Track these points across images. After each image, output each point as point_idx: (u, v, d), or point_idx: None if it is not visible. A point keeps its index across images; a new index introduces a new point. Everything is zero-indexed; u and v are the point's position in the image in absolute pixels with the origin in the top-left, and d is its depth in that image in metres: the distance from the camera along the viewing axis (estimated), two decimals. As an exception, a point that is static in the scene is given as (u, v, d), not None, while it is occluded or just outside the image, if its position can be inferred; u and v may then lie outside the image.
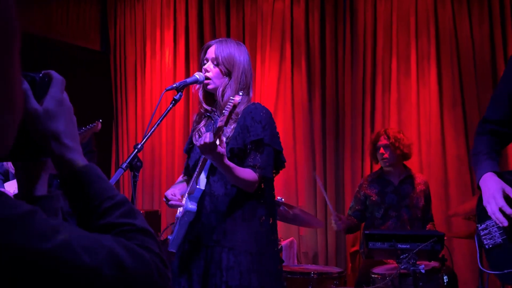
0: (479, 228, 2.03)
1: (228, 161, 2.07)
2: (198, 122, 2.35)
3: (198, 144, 2.02)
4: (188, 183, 2.40)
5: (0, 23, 0.37)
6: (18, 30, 0.39)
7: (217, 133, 1.97)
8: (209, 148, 1.98)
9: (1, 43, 0.38)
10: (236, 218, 2.18)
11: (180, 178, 2.48)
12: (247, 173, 2.14)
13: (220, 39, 2.35)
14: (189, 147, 2.40)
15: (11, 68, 0.38)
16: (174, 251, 2.31)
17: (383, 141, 3.57)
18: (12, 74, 0.38)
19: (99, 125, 2.87)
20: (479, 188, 2.05)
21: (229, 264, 2.13)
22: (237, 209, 2.19)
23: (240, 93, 2.04)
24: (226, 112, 1.98)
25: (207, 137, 1.97)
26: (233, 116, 2.21)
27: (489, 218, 2.00)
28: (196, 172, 2.21)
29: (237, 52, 2.27)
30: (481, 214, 2.04)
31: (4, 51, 0.38)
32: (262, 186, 2.22)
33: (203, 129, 2.31)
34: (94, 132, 2.91)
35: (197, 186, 2.20)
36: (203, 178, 2.21)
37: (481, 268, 2.04)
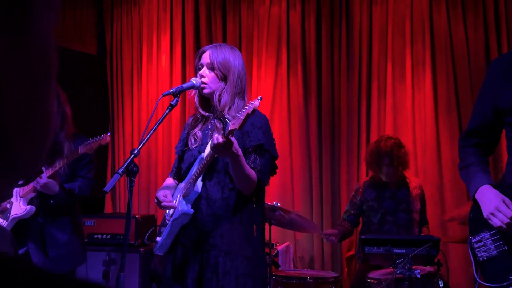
0: (473, 241, 2.01)
1: (243, 159, 2.09)
2: (194, 126, 2.36)
3: (211, 145, 2.02)
4: (177, 186, 2.40)
5: (42, 57, 0.39)
6: (56, 62, 0.41)
7: (229, 135, 1.98)
8: (224, 147, 1.98)
9: (43, 74, 0.39)
10: (234, 222, 2.18)
11: (169, 180, 2.46)
12: (252, 174, 2.15)
13: (215, 44, 2.36)
14: (183, 150, 2.40)
15: (51, 95, 0.40)
16: (161, 254, 2.31)
17: (386, 160, 3.55)
18: (51, 101, 0.41)
19: (108, 138, 2.84)
20: (474, 200, 2.04)
21: (225, 268, 2.13)
22: (235, 214, 2.19)
23: (259, 98, 2.03)
24: (241, 116, 1.98)
25: (218, 139, 1.97)
26: (227, 121, 2.22)
27: (483, 230, 1.98)
28: (192, 175, 2.21)
29: (232, 57, 2.28)
30: (475, 226, 2.02)
31: (46, 81, 0.39)
32: (255, 191, 2.24)
33: (199, 133, 2.32)
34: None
35: (194, 189, 2.20)
36: (199, 182, 2.22)
37: (478, 280, 2.02)
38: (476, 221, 2.01)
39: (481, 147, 2.12)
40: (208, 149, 2.21)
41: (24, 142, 0.37)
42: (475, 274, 2.02)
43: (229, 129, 1.98)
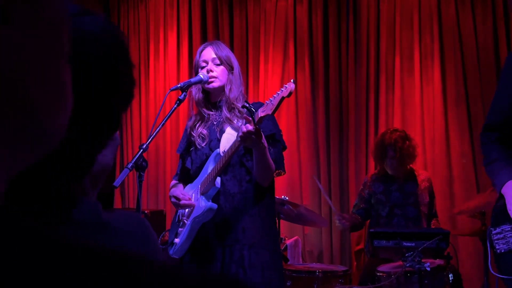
0: (492, 232, 1.98)
1: (267, 149, 2.09)
2: (196, 126, 2.34)
3: (239, 135, 2.00)
4: (184, 187, 2.39)
5: (55, 29, 0.39)
6: (67, 31, 0.41)
7: (258, 123, 1.97)
8: (255, 135, 1.97)
9: (57, 46, 0.39)
10: (253, 215, 2.19)
11: (174, 182, 2.44)
12: (272, 164, 2.16)
13: (211, 41, 2.40)
14: (187, 151, 2.37)
15: (65, 66, 0.41)
16: (178, 257, 2.28)
17: (390, 153, 3.54)
18: (66, 72, 0.41)
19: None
20: (501, 196, 2.00)
21: (251, 261, 2.13)
22: (254, 207, 2.19)
23: (292, 81, 2.00)
24: (274, 101, 1.96)
25: (248, 127, 1.96)
26: (238, 113, 2.22)
27: (505, 222, 1.95)
28: (210, 172, 2.19)
29: (230, 52, 2.34)
30: (497, 218, 1.98)
31: (60, 52, 0.40)
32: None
33: (204, 131, 2.30)
34: None
35: (215, 185, 2.18)
36: (218, 177, 2.22)
37: (493, 272, 1.99)
38: (499, 213, 1.97)
39: (504, 142, 2.04)
40: (223, 145, 2.19)
41: (49, 111, 0.39)
42: (489, 266, 1.99)
43: (260, 115, 1.96)
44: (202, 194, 2.22)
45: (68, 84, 0.41)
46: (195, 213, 2.21)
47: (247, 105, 1.99)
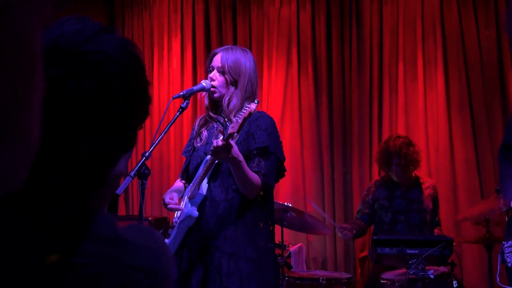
0: (505, 245, 1.98)
1: (244, 163, 2.09)
2: (201, 126, 2.37)
3: (211, 149, 2.03)
4: (185, 188, 2.41)
5: (17, 42, 0.36)
6: (38, 49, 0.38)
7: (228, 139, 1.98)
8: (223, 150, 1.98)
9: (16, 64, 0.36)
10: (237, 224, 2.17)
11: (178, 182, 2.46)
12: (255, 178, 2.14)
13: (226, 46, 2.34)
14: (190, 151, 2.40)
15: (28, 92, 0.37)
16: None
17: (396, 159, 3.55)
18: (28, 99, 0.37)
19: None
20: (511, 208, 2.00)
21: (229, 270, 2.12)
22: (239, 215, 2.18)
23: (256, 101, 2.04)
24: (239, 119, 1.98)
25: (218, 142, 1.98)
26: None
27: None
28: (198, 177, 2.21)
29: (243, 60, 2.26)
30: (510, 231, 2.00)
31: (18, 72, 0.36)
32: (261, 193, 2.22)
33: (205, 132, 2.32)
34: None
35: (199, 192, 2.20)
36: (205, 184, 2.21)
37: (500, 284, 1.99)
38: None
39: None
40: None
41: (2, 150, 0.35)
42: (497, 278, 1.98)
43: (228, 132, 1.98)
44: (189, 199, 2.23)
45: (34, 118, 0.36)
46: (181, 218, 2.24)
47: (221, 121, 2.01)
